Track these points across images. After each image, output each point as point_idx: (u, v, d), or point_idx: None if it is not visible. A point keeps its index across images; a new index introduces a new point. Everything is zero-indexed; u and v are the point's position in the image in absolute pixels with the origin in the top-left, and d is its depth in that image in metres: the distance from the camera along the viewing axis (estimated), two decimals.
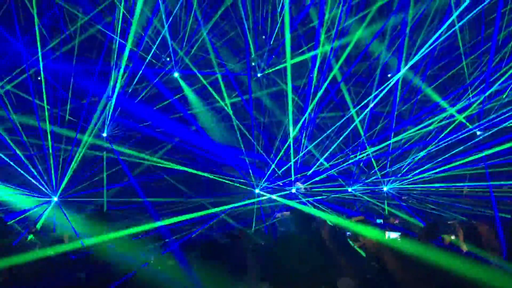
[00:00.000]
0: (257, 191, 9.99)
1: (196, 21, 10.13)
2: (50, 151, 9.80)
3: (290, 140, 9.45)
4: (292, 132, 9.44)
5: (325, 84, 9.55)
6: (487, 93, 8.85)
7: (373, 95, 9.83)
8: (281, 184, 10.13)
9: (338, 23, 9.54)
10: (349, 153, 10.20)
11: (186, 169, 10.32)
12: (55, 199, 9.98)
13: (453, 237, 6.87)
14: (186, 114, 10.44)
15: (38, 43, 9.00)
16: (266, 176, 9.97)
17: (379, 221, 8.44)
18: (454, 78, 10.33)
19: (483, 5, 8.29)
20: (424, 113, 10.18)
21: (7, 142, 9.51)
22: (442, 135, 9.84)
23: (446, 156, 9.97)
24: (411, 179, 10.39)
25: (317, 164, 10.12)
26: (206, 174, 10.32)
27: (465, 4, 8.34)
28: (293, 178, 9.85)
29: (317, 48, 9.67)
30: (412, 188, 10.54)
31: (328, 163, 10.11)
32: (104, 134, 10.59)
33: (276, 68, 10.61)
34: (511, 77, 9.00)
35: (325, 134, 10.42)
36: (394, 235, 7.61)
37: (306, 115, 9.75)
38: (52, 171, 9.78)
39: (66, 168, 9.94)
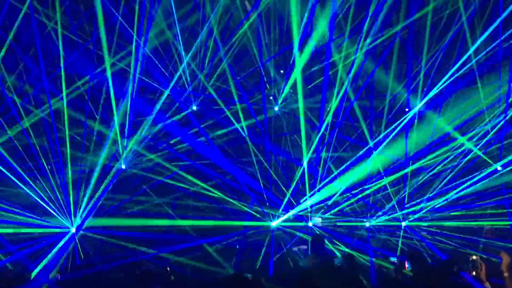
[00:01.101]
0: (273, 224, 9.87)
1: (215, 53, 10.40)
2: (70, 178, 9.89)
3: (305, 167, 9.44)
4: (306, 158, 9.43)
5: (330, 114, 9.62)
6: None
7: (387, 130, 9.88)
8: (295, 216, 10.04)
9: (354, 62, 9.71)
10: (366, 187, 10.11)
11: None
12: (73, 230, 9.95)
13: (474, 273, 6.72)
14: (208, 137, 10.52)
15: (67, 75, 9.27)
16: (282, 208, 9.87)
17: (393, 259, 8.34)
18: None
19: (501, 38, 8.36)
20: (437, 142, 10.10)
21: (17, 168, 9.61)
22: (457, 168, 9.75)
23: (466, 192, 9.85)
24: (430, 216, 10.25)
25: (335, 197, 10.04)
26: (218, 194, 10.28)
27: (482, 38, 8.45)
28: (309, 210, 9.77)
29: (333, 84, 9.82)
30: (432, 225, 10.38)
31: (346, 195, 10.03)
32: (123, 166, 10.69)
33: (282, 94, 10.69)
34: None
35: (343, 167, 10.39)
36: None
37: (314, 149, 9.76)
38: (71, 200, 9.82)
39: (86, 197, 9.97)
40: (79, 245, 9.81)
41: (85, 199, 9.95)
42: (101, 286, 6.18)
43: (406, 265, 7.71)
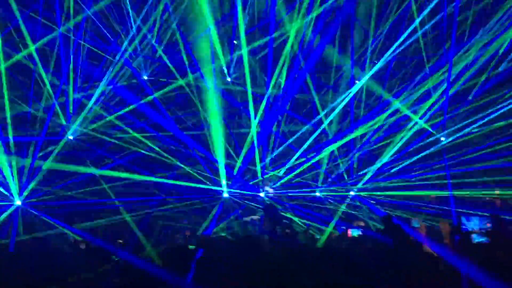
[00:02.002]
0: (225, 194, 9.87)
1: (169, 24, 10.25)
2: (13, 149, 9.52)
3: (254, 137, 9.48)
4: (254, 130, 9.49)
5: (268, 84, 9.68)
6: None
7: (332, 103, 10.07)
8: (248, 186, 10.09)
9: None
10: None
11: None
12: (18, 202, 9.56)
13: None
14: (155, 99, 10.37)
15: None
16: (233, 177, 9.88)
17: (343, 227, 8.62)
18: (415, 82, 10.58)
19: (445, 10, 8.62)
20: (377, 111, 10.36)
21: None
22: (402, 139, 10.03)
23: (410, 161, 10.18)
24: (378, 184, 10.54)
25: (286, 165, 10.17)
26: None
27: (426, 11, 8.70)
28: (260, 178, 9.85)
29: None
30: (379, 194, 10.69)
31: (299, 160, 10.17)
32: (70, 137, 10.39)
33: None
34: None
35: (295, 137, 10.51)
36: (356, 232, 7.88)
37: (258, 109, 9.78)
38: (15, 172, 9.45)
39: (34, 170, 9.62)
40: (20, 218, 9.48)
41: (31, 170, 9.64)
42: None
43: (350, 232, 8.05)
